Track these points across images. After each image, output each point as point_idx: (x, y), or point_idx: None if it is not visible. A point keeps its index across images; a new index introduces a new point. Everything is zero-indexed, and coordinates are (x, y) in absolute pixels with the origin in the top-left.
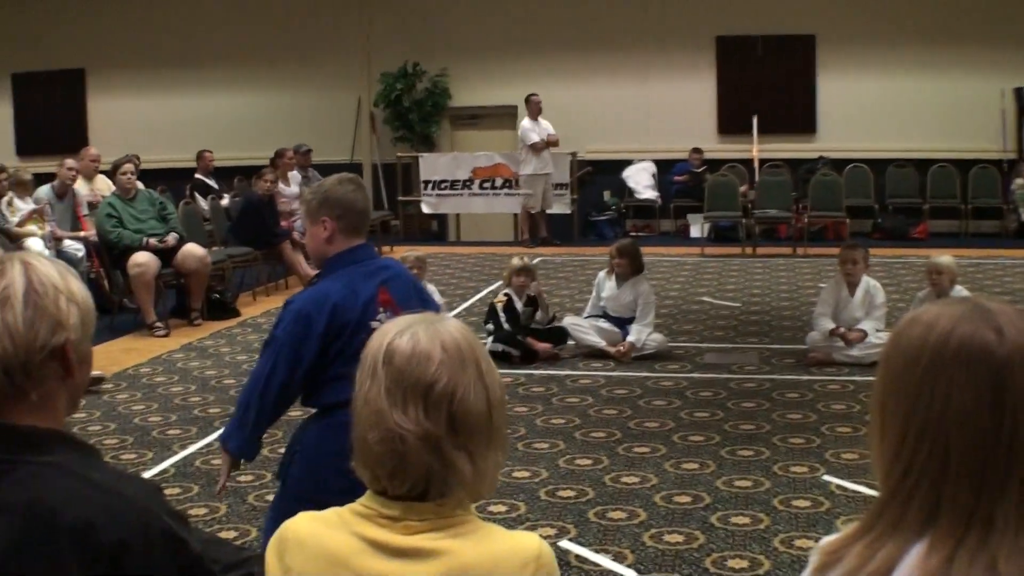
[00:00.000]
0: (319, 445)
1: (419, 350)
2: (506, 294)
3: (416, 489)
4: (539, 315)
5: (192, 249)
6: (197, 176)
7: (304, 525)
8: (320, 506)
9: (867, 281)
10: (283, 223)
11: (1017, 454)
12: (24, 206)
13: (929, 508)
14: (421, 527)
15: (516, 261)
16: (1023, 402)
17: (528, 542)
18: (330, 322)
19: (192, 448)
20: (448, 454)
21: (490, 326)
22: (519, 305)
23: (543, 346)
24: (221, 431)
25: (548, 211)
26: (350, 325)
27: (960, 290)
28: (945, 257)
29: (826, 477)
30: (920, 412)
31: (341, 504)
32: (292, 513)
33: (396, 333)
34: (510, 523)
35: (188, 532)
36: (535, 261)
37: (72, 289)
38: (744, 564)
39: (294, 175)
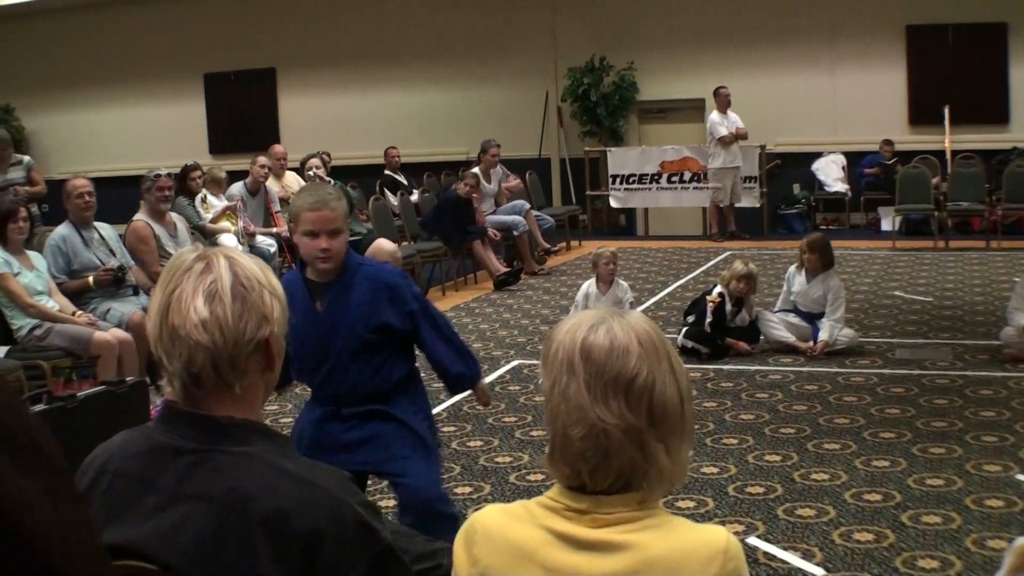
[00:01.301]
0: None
1: (618, 344)
2: (720, 294)
3: (617, 484)
4: (740, 317)
5: (383, 244)
6: (386, 172)
7: (492, 517)
8: None
9: None
10: (477, 220)
11: None
12: (218, 203)
13: None
14: (608, 520)
15: (741, 267)
16: None
17: (716, 535)
18: None
19: None
20: (650, 447)
21: (690, 318)
22: (729, 307)
23: (743, 345)
24: (465, 371)
25: (737, 204)
26: None
27: None
28: None
29: (1020, 476)
30: None
31: None
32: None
33: (589, 328)
34: (699, 518)
35: (380, 522)
36: (724, 255)
37: (273, 283)
38: (935, 564)
39: (495, 171)
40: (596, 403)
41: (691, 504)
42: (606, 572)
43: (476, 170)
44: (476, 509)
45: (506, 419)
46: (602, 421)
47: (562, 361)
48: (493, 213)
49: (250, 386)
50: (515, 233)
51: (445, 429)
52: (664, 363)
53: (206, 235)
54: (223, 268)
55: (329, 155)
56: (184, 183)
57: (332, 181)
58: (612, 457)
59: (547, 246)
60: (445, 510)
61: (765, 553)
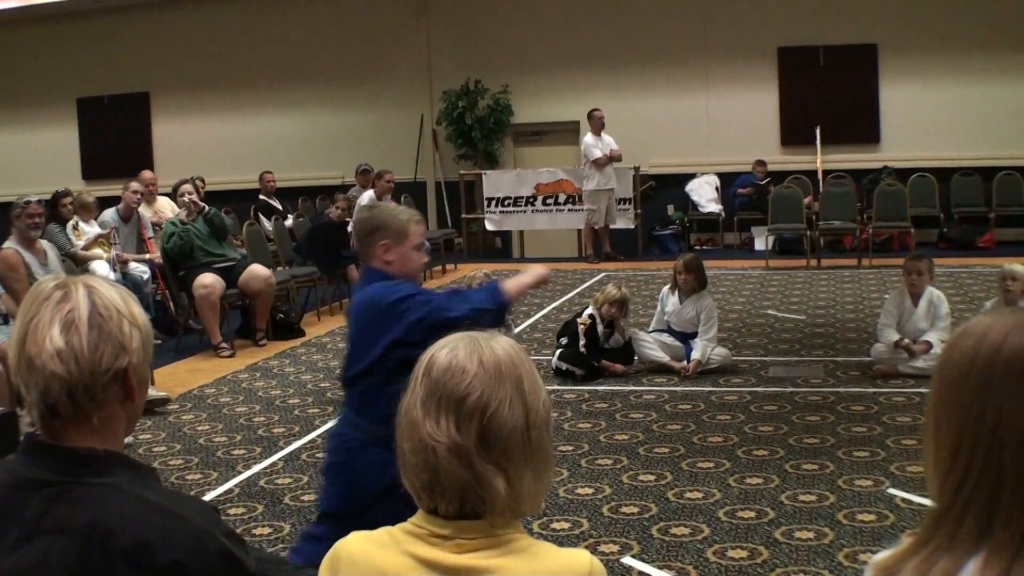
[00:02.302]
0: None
1: (455, 363)
2: (591, 316)
3: (455, 505)
4: (615, 338)
5: (256, 270)
6: (260, 197)
7: (356, 544)
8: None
9: (931, 291)
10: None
11: None
12: (89, 229)
13: (983, 522)
14: (472, 545)
15: (614, 291)
16: None
17: (579, 559)
18: None
19: (256, 468)
20: (479, 469)
21: (563, 340)
22: (600, 328)
23: (618, 367)
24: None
25: (612, 226)
26: None
27: None
28: (1018, 265)
29: (891, 490)
30: (972, 425)
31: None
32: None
33: (440, 347)
34: (573, 540)
35: (245, 552)
36: (599, 276)
37: (134, 313)
38: None
39: (387, 198)
40: (427, 419)
41: (566, 525)
42: None
43: (352, 192)
44: (347, 536)
45: None
46: (431, 438)
47: (412, 377)
48: None
49: (109, 417)
50: None
51: (320, 455)
52: (506, 387)
53: (78, 262)
54: (81, 297)
55: (203, 180)
56: (55, 210)
57: (206, 207)
58: (441, 476)
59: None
60: None
61: (640, 573)
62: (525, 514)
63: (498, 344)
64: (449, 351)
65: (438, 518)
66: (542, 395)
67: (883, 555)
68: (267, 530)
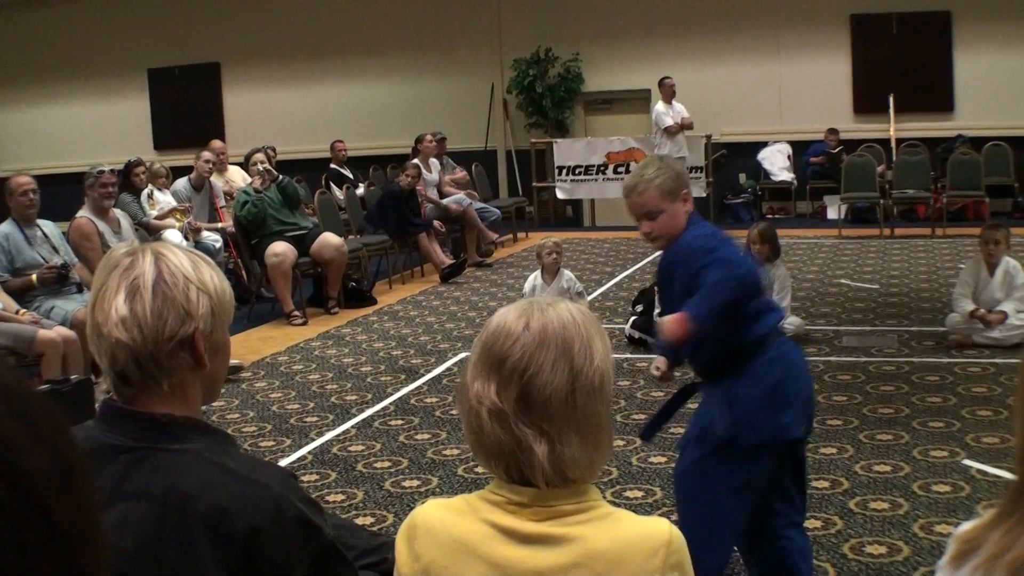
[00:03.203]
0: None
1: (503, 327)
2: None
3: (502, 468)
4: None
5: (328, 238)
6: (332, 166)
7: (433, 512)
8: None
9: (1007, 261)
10: (421, 212)
11: None
12: (164, 198)
13: None
14: (550, 513)
15: None
16: None
17: (659, 528)
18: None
19: (329, 435)
20: (517, 432)
21: (638, 308)
22: None
23: None
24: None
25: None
26: None
27: None
28: None
29: (966, 461)
30: None
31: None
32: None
33: (499, 311)
34: (647, 508)
35: (322, 518)
36: None
37: (204, 279)
38: (883, 550)
39: (433, 162)
40: (476, 381)
41: (639, 493)
42: (549, 566)
43: (417, 161)
44: (424, 503)
45: (453, 411)
46: (476, 399)
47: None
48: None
49: (181, 383)
50: (461, 207)
51: (392, 422)
52: (550, 350)
53: (151, 231)
54: (147, 264)
55: (274, 149)
56: (128, 179)
57: (279, 176)
58: (485, 438)
59: (493, 237)
60: None
61: None
62: (577, 481)
63: (555, 309)
64: (502, 315)
65: (516, 485)
66: (597, 362)
67: (966, 526)
68: (340, 496)
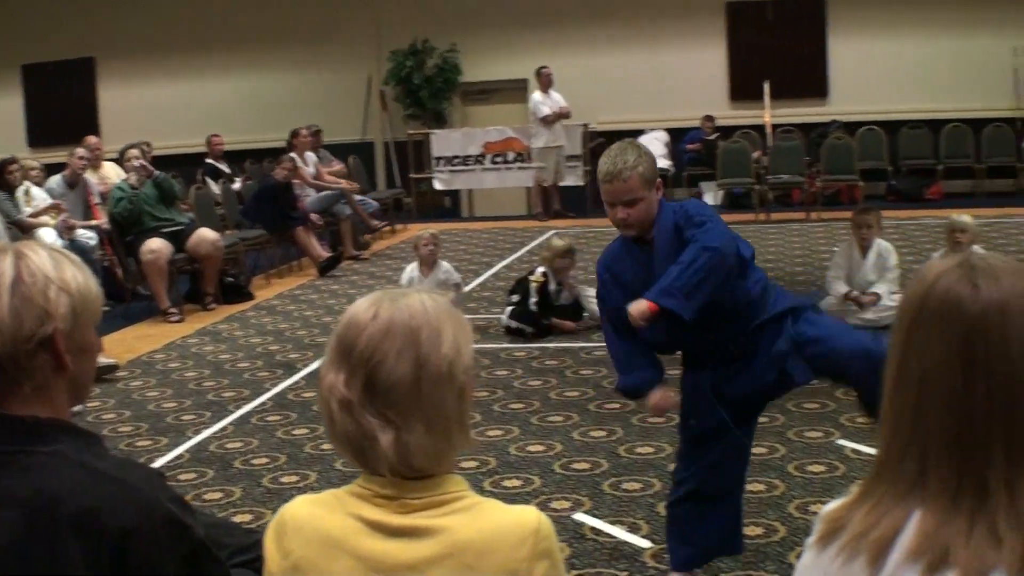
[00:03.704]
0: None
1: (353, 317)
2: (544, 274)
3: (351, 458)
4: (564, 295)
5: (205, 233)
6: (208, 161)
7: (301, 508)
8: None
9: (879, 243)
10: (298, 206)
11: (994, 417)
12: (41, 195)
13: (919, 471)
14: (417, 505)
15: (559, 242)
16: (996, 363)
17: (526, 516)
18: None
19: (206, 433)
20: (363, 421)
21: (514, 297)
22: (553, 286)
23: (568, 324)
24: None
25: (561, 183)
26: None
27: (977, 249)
28: (966, 216)
29: (841, 441)
30: (902, 371)
31: None
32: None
33: (356, 302)
34: (525, 497)
35: (192, 517)
36: (549, 234)
37: (65, 278)
38: (759, 531)
39: (309, 155)
40: (329, 372)
41: (518, 482)
42: (417, 558)
43: (293, 154)
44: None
45: None
46: (327, 390)
47: None
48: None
49: (44, 385)
50: (341, 218)
51: (270, 418)
52: (395, 340)
53: (24, 230)
54: (7, 265)
55: (150, 145)
56: (1, 177)
57: (155, 171)
58: (336, 429)
59: (377, 224)
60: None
61: (592, 528)
62: (421, 470)
63: (406, 299)
64: (355, 306)
65: (382, 478)
66: (444, 350)
67: (832, 506)
68: (218, 495)
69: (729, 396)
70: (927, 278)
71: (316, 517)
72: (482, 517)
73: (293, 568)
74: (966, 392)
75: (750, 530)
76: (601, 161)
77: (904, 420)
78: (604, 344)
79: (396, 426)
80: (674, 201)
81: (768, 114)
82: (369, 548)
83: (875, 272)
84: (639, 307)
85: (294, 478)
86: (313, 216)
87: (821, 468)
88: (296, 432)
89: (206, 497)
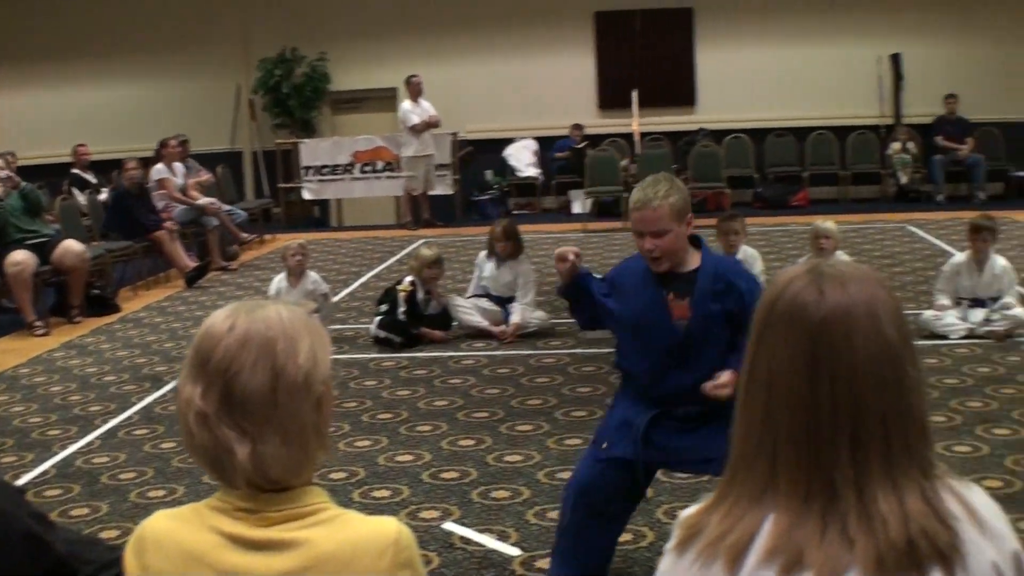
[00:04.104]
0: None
1: (210, 329)
2: (412, 283)
3: (209, 471)
4: (433, 305)
5: (70, 245)
6: (73, 171)
7: (161, 523)
8: None
9: (745, 250)
10: (162, 214)
11: (840, 419)
12: None
13: (770, 473)
14: (277, 518)
15: (427, 252)
16: (840, 366)
17: (386, 527)
18: None
19: (72, 448)
20: (220, 433)
21: (383, 307)
22: (421, 295)
23: (437, 333)
24: None
25: (431, 192)
26: None
27: (841, 255)
28: (830, 222)
29: None
30: (753, 374)
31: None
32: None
33: (213, 314)
34: (394, 507)
35: (53, 534)
36: (418, 243)
37: None
38: (628, 537)
39: (178, 166)
40: (186, 385)
41: (386, 493)
42: (277, 571)
43: (135, 162)
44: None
45: None
46: (185, 403)
47: None
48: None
49: None
50: (208, 228)
51: (137, 432)
52: (251, 351)
53: None
54: None
55: (14, 155)
56: None
57: (21, 182)
58: (194, 441)
59: (246, 237)
60: None
61: (461, 537)
62: (278, 483)
63: (263, 310)
64: (213, 317)
65: (240, 491)
66: (301, 361)
67: (689, 511)
68: (85, 510)
69: (657, 443)
70: (778, 284)
71: (176, 532)
72: (342, 529)
73: None
74: (811, 394)
75: (622, 536)
76: (634, 190)
77: (755, 422)
78: (473, 353)
79: (252, 438)
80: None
81: (636, 122)
82: (230, 562)
83: None
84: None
85: (161, 492)
86: (168, 224)
87: (687, 473)
88: (164, 446)
89: (72, 513)
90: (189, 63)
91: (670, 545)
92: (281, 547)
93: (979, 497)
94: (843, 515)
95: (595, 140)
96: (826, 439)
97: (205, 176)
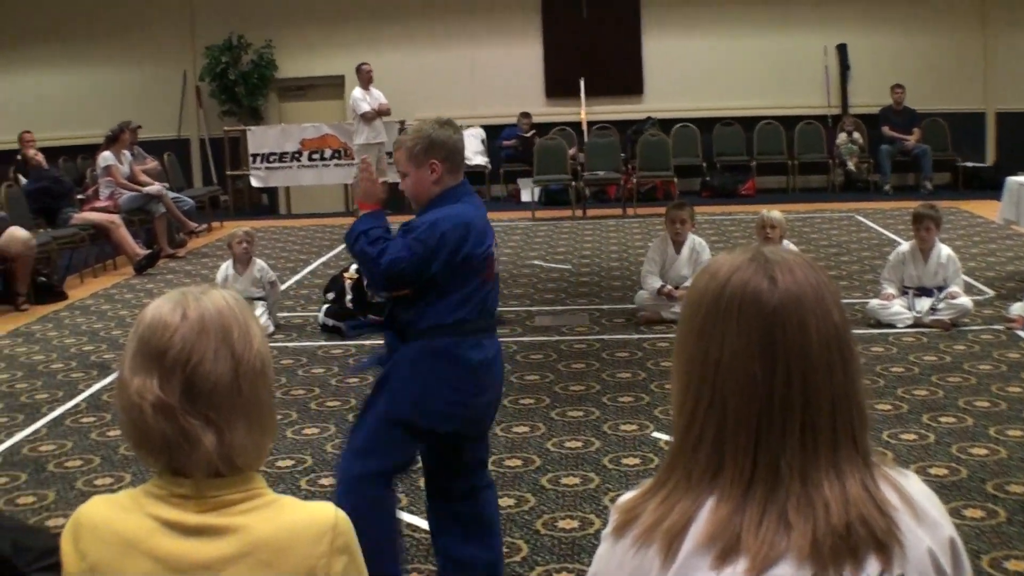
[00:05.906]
0: (416, 367)
1: (158, 318)
2: (358, 271)
3: (163, 461)
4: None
5: (16, 232)
6: (19, 158)
7: (97, 509)
8: (416, 430)
9: (693, 239)
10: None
11: (792, 404)
12: None
13: (715, 460)
14: (213, 504)
15: None
16: (794, 351)
17: (324, 512)
18: (463, 240)
19: (19, 436)
20: (184, 424)
21: (330, 295)
22: (367, 282)
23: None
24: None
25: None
26: (481, 247)
27: (788, 244)
28: (776, 212)
29: (655, 434)
30: (698, 362)
31: (440, 428)
32: (384, 436)
33: (153, 304)
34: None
35: None
36: None
37: None
38: (575, 524)
39: (124, 153)
40: (135, 376)
41: (334, 481)
42: (215, 557)
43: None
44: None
45: None
46: (138, 395)
47: (130, 336)
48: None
49: None
50: (155, 216)
51: (84, 420)
52: (211, 339)
53: None
54: None
55: None
56: None
57: None
58: (148, 432)
59: (192, 226)
60: None
61: (409, 524)
62: (243, 467)
63: (208, 297)
64: (156, 307)
65: (177, 477)
66: (257, 346)
67: (626, 497)
68: (31, 499)
69: None
70: (720, 273)
71: (112, 518)
72: (280, 514)
73: (91, 570)
74: (765, 381)
75: (566, 523)
76: None
77: (700, 411)
78: None
79: (218, 427)
80: (454, 207)
81: (584, 111)
82: (166, 548)
83: (689, 267)
84: None
85: (109, 480)
86: (99, 203)
87: (636, 461)
88: (111, 434)
89: (19, 501)
90: (136, 50)
91: (607, 531)
92: (217, 532)
93: (915, 485)
94: (783, 501)
95: (543, 128)
96: (777, 425)
97: (151, 164)
